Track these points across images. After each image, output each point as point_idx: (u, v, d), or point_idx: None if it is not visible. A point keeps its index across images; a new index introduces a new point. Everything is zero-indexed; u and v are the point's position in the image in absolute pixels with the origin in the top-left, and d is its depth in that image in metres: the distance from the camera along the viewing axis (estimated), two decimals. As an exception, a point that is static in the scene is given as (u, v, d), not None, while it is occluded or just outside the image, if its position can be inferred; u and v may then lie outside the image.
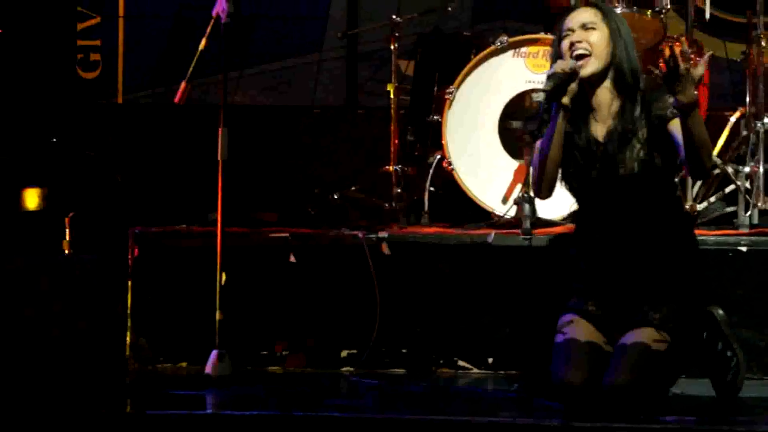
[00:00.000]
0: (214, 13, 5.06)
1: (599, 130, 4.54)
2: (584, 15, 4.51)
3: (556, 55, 4.54)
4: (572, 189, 4.62)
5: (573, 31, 4.49)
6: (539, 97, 4.37)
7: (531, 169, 4.63)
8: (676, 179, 5.76)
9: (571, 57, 4.46)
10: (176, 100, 5.22)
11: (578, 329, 4.52)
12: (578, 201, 4.67)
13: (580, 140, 4.53)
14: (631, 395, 4.37)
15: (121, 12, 7.46)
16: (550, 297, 5.11)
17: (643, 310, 4.47)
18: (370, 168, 6.27)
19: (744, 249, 5.17)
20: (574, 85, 4.46)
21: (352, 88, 7.44)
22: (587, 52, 4.45)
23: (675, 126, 4.40)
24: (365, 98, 7.35)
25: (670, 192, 4.62)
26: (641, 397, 4.40)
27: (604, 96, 4.52)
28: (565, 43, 4.49)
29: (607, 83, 4.51)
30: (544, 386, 4.62)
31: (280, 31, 7.43)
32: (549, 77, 4.43)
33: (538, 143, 4.50)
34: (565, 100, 4.45)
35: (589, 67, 4.46)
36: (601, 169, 4.51)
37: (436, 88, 6.08)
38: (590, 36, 4.47)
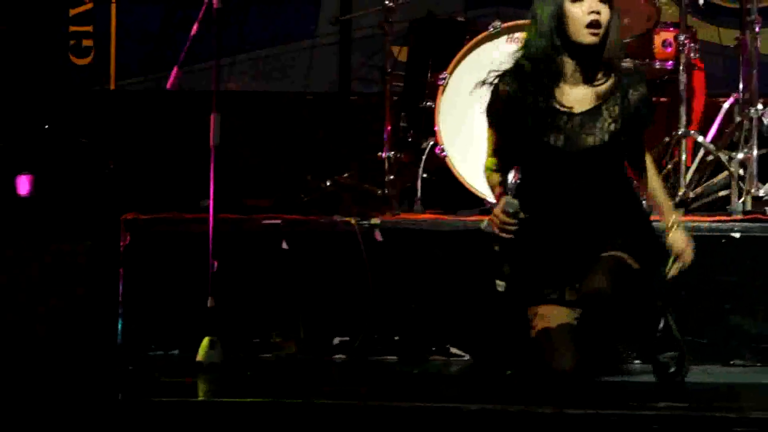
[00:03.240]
0: None
1: (567, 95, 4.50)
2: None
3: (557, 12, 4.45)
4: (515, 157, 4.60)
5: None
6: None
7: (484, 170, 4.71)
8: (670, 166, 5.78)
9: (586, 26, 4.41)
10: (168, 86, 5.23)
11: (548, 317, 4.49)
12: (524, 170, 4.61)
13: (540, 103, 4.48)
14: (609, 299, 4.35)
15: None
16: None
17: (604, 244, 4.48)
18: (364, 154, 6.27)
19: (737, 235, 5.18)
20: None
21: (345, 74, 7.39)
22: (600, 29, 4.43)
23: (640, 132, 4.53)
24: (359, 84, 7.32)
25: (624, 171, 4.61)
26: (618, 304, 4.38)
27: (585, 64, 4.48)
28: (583, 8, 4.42)
29: (592, 52, 4.48)
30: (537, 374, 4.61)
31: (273, 16, 7.43)
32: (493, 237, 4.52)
33: None
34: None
35: (594, 37, 4.43)
36: (566, 136, 4.48)
37: (429, 74, 6.05)
38: (604, 9, 4.44)
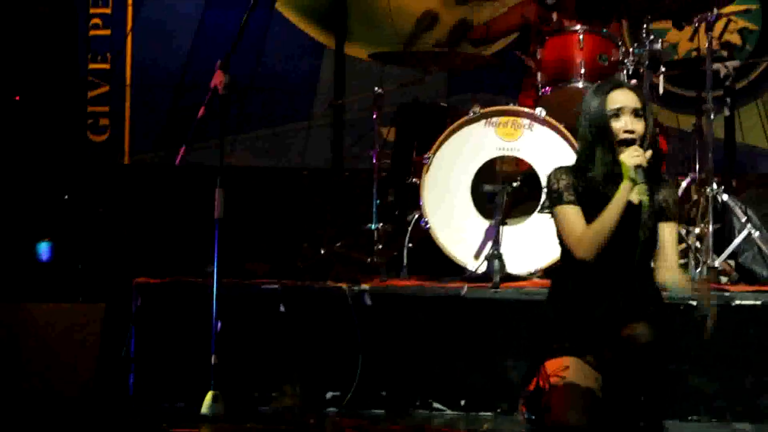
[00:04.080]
0: (212, 85, 5.12)
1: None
2: (634, 100, 4.51)
3: (597, 115, 4.49)
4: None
5: (622, 112, 4.48)
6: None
7: (585, 234, 4.51)
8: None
9: (620, 142, 4.48)
10: (177, 162, 5.28)
11: (577, 373, 4.42)
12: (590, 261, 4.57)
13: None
14: (651, 346, 4.35)
15: (127, 81, 7.54)
16: (518, 344, 5.23)
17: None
18: (354, 225, 6.27)
19: (694, 303, 5.16)
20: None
21: (337, 152, 7.48)
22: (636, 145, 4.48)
23: (664, 228, 4.56)
24: (350, 161, 7.39)
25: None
26: (659, 349, 4.38)
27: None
28: (618, 125, 4.48)
29: None
30: (538, 427, 4.55)
31: (273, 100, 7.47)
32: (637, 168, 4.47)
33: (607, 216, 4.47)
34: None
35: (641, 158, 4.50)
36: (625, 234, 4.51)
37: (414, 154, 6.12)
38: (638, 125, 4.49)
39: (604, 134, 4.51)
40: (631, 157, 4.47)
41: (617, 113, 4.51)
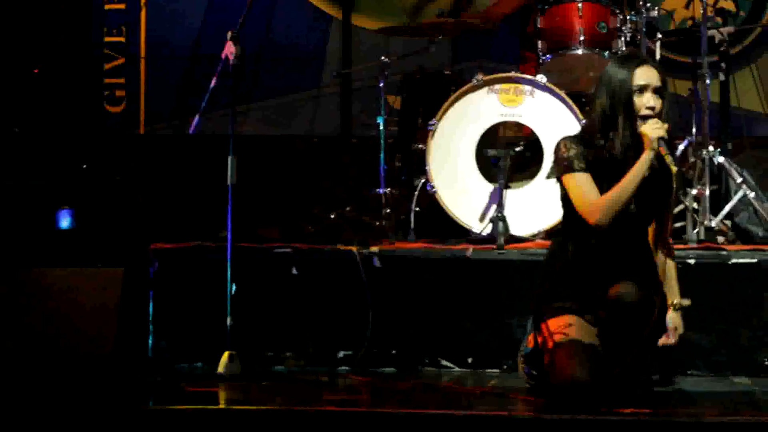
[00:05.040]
0: (223, 56, 5.05)
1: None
2: (657, 78, 4.47)
3: (622, 89, 4.43)
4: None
5: (646, 89, 4.44)
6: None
7: (603, 201, 4.43)
8: None
9: (641, 117, 4.42)
10: (190, 131, 5.21)
11: (580, 331, 4.41)
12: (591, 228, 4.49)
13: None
14: (637, 306, 4.30)
15: (142, 53, 7.46)
16: (522, 304, 5.13)
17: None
18: (363, 190, 6.23)
19: (692, 261, 5.16)
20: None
21: (346, 120, 7.38)
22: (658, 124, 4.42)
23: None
24: (358, 129, 7.31)
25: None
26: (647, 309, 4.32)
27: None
28: (641, 102, 4.43)
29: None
30: (540, 382, 4.54)
31: (283, 70, 7.40)
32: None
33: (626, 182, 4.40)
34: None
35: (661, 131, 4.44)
36: (639, 202, 4.48)
37: (420, 120, 6.04)
38: (658, 102, 4.45)
39: (628, 108, 4.44)
40: (653, 129, 4.41)
41: (641, 89, 4.45)
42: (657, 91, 4.48)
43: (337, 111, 7.43)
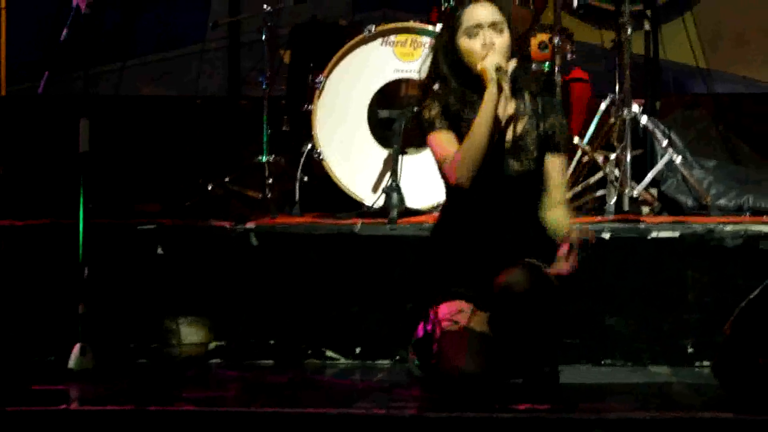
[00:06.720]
0: (74, 4, 4.76)
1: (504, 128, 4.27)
2: (489, 13, 4.27)
3: (451, 48, 4.28)
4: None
5: (481, 28, 4.24)
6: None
7: (458, 155, 4.22)
8: None
9: (483, 59, 4.20)
10: (40, 90, 4.95)
11: (470, 318, 4.25)
12: (466, 194, 4.29)
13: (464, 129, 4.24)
14: (528, 294, 4.09)
15: (2, 4, 7.19)
16: (416, 285, 4.88)
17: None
18: (250, 158, 5.96)
19: (607, 236, 4.91)
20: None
21: (234, 78, 7.22)
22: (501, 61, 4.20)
23: (549, 159, 4.28)
24: (248, 88, 7.07)
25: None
26: (533, 305, 4.11)
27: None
28: (477, 43, 4.23)
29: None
30: (429, 375, 4.36)
31: (163, 21, 7.18)
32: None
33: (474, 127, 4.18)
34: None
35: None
36: (508, 162, 4.27)
37: (310, 78, 5.78)
38: (498, 38, 4.24)
39: (453, 54, 4.30)
40: (486, 59, 4.18)
41: (476, 32, 4.26)
42: (494, 26, 4.25)
43: (225, 68, 7.27)
